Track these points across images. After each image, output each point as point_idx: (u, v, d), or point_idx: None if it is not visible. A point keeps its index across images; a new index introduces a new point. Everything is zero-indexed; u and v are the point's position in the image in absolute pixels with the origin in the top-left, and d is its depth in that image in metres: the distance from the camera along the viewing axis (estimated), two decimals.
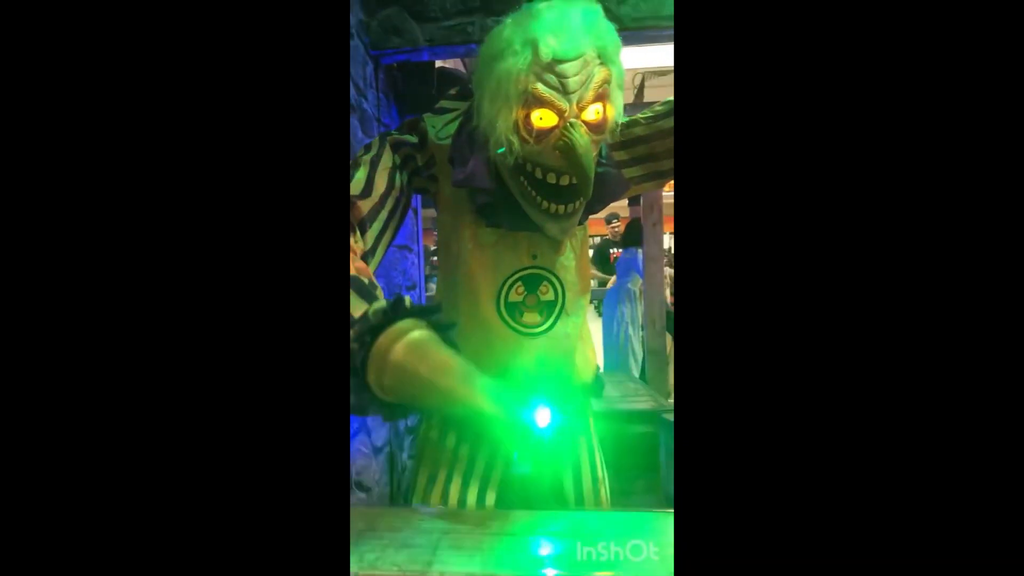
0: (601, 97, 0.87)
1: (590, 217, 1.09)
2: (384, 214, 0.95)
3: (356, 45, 1.91)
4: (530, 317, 1.04)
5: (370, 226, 0.92)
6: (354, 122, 1.89)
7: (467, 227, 1.03)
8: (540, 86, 0.84)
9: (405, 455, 2.29)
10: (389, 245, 0.98)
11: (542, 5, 0.85)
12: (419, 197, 2.35)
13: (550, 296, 1.05)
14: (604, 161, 0.98)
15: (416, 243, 2.63)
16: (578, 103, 0.85)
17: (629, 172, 1.10)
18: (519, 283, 1.03)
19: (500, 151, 0.89)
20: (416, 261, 2.61)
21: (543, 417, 0.79)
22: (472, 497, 1.06)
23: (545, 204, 0.92)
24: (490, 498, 1.06)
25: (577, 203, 0.93)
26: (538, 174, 0.90)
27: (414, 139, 1.00)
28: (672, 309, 3.90)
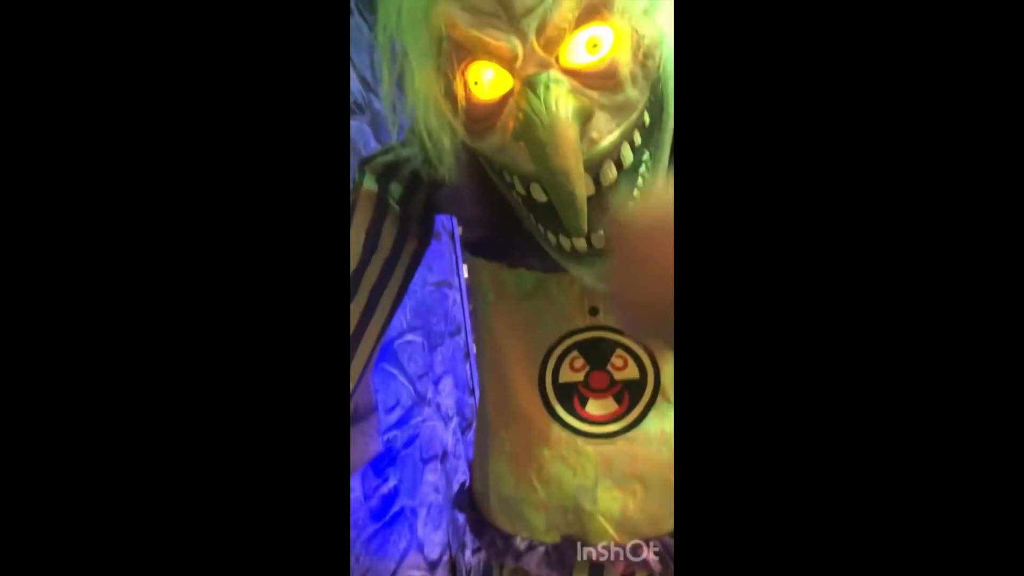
0: (594, 12, 0.48)
1: None
2: (366, 285, 0.64)
3: (357, 24, 1.43)
4: (597, 407, 0.68)
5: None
6: (363, 127, 1.40)
7: (484, 268, 0.71)
8: (460, 18, 0.49)
9: (469, 553, 1.76)
10: (391, 317, 0.70)
11: None
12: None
13: (631, 373, 0.67)
14: None
15: (456, 275, 2.12)
16: (539, 36, 0.48)
17: None
18: (574, 353, 0.68)
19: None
20: (459, 299, 2.10)
21: None
22: None
23: (550, 236, 0.57)
24: None
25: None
26: (519, 186, 0.56)
27: (414, 150, 0.62)
28: None
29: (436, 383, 1.71)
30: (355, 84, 1.38)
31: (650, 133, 0.56)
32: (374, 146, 1.43)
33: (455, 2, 0.49)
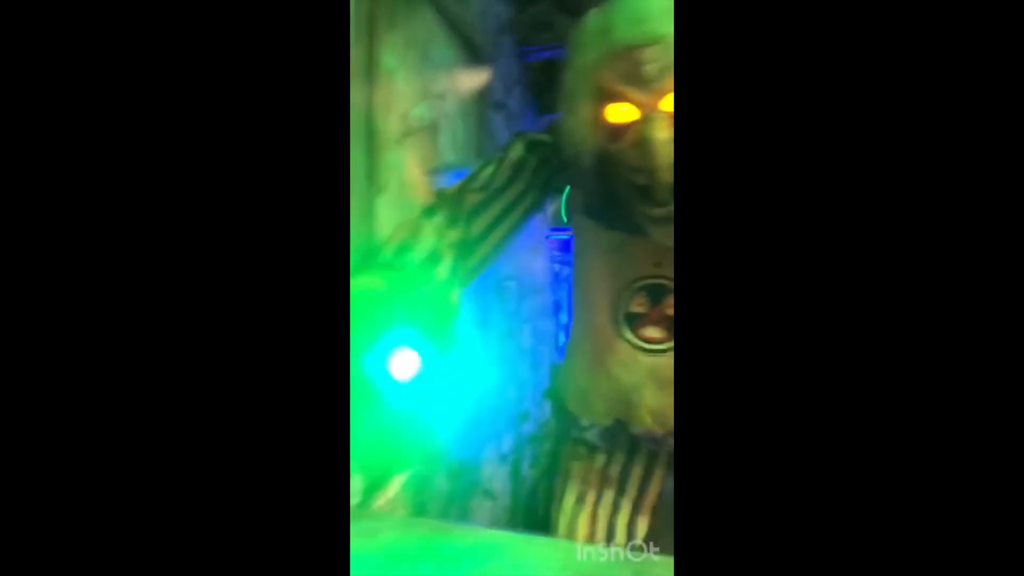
0: None
1: None
2: (497, 208, 0.95)
3: (504, 41, 1.88)
4: (651, 331, 0.97)
5: (479, 216, 0.93)
6: (499, 120, 1.85)
7: (590, 227, 1.00)
8: (614, 78, 0.82)
9: (526, 466, 2.20)
10: (506, 240, 0.98)
11: None
12: None
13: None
14: None
15: (544, 242, 2.57)
16: (658, 94, 0.81)
17: None
18: (642, 293, 0.98)
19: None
20: (543, 263, 2.54)
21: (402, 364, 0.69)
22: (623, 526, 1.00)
23: (642, 207, 0.88)
24: (641, 526, 0.99)
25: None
26: (624, 174, 0.88)
27: (551, 139, 0.96)
28: None
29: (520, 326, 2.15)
30: (500, 88, 1.84)
31: None
32: (505, 132, 1.88)
33: (610, 70, 0.85)
